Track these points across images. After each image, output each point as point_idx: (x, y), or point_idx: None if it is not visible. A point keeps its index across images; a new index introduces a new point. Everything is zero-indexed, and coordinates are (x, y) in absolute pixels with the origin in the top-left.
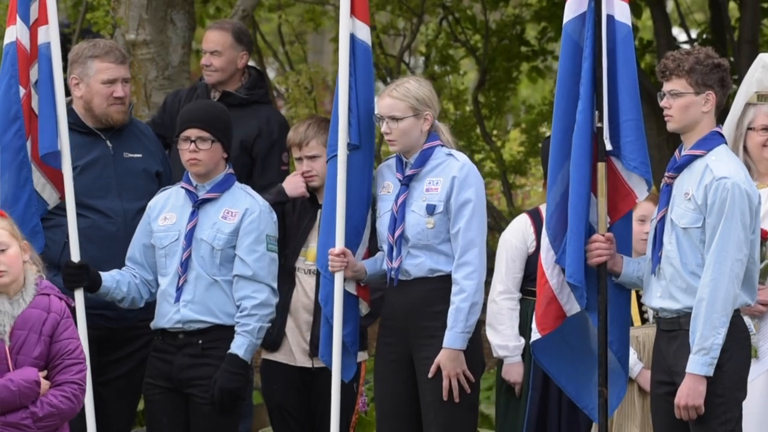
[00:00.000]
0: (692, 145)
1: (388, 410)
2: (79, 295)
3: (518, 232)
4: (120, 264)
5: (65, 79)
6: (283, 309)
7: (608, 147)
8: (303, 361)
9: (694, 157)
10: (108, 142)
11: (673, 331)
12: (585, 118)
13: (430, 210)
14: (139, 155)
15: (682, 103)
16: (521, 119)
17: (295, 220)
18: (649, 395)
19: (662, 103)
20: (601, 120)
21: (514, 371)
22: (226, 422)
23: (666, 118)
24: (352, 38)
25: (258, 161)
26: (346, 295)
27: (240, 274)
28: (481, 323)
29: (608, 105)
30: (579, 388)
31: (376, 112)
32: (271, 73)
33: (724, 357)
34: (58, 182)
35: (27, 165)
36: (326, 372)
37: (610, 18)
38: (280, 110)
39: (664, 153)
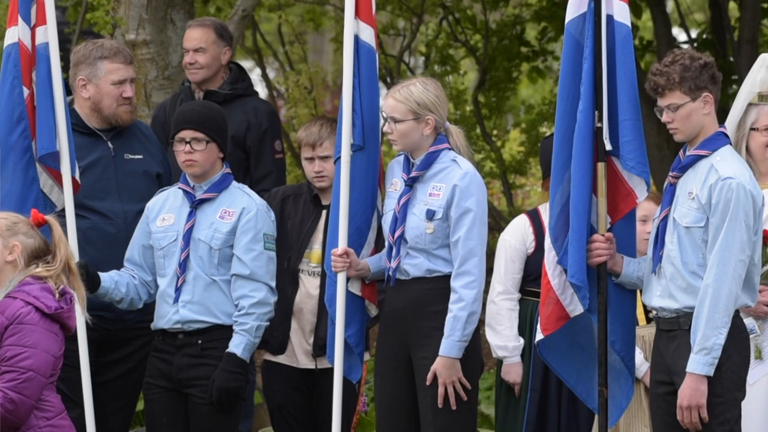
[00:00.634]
0: (697, 145)
1: (387, 409)
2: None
3: (517, 233)
4: (120, 265)
5: (65, 80)
6: (286, 312)
7: (608, 147)
8: (306, 362)
9: (699, 157)
10: (109, 143)
11: (672, 330)
12: (586, 117)
13: (430, 215)
14: (140, 156)
15: (683, 114)
16: (521, 119)
17: (297, 222)
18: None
19: (663, 119)
20: (600, 120)
21: (513, 371)
22: (225, 422)
23: (671, 132)
24: (356, 40)
25: (252, 153)
26: (351, 295)
27: (238, 273)
28: (480, 323)
29: (608, 105)
30: (589, 390)
31: (381, 111)
32: (271, 73)
33: (723, 357)
34: (62, 184)
35: (33, 165)
36: (329, 373)
37: (610, 18)
38: (280, 110)
39: (665, 153)
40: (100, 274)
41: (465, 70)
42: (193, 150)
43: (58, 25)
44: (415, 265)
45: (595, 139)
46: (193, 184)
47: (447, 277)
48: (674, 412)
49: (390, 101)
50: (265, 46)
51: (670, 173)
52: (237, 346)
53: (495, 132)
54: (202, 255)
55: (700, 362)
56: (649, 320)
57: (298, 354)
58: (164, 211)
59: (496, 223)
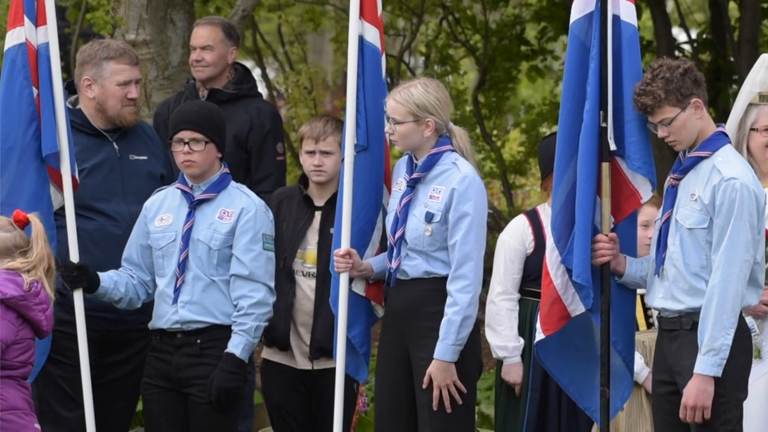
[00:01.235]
0: (697, 147)
1: (387, 409)
2: (78, 296)
3: (516, 233)
4: None
5: (65, 80)
6: (286, 311)
7: (612, 147)
8: (303, 363)
9: (700, 159)
10: (114, 144)
11: (674, 330)
12: (592, 117)
13: (428, 218)
14: (145, 157)
15: (678, 125)
16: (521, 119)
17: (291, 224)
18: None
19: (660, 135)
20: (605, 120)
21: (513, 371)
22: (225, 421)
23: (671, 144)
24: (361, 40)
25: (253, 154)
26: (354, 296)
27: (237, 274)
28: (480, 323)
29: (613, 105)
30: (582, 390)
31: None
32: (271, 73)
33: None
34: (61, 184)
35: (44, 165)
36: (327, 373)
37: (616, 18)
38: (280, 110)
39: (664, 153)
40: (99, 274)
41: (465, 70)
42: (191, 150)
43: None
44: (413, 266)
45: (599, 139)
46: (191, 184)
47: (445, 279)
48: (676, 412)
49: (390, 102)
50: (265, 46)
51: (671, 175)
52: (236, 346)
53: (495, 132)
54: (201, 255)
55: (708, 363)
56: (649, 325)
57: (296, 354)
58: (162, 211)
59: (496, 223)
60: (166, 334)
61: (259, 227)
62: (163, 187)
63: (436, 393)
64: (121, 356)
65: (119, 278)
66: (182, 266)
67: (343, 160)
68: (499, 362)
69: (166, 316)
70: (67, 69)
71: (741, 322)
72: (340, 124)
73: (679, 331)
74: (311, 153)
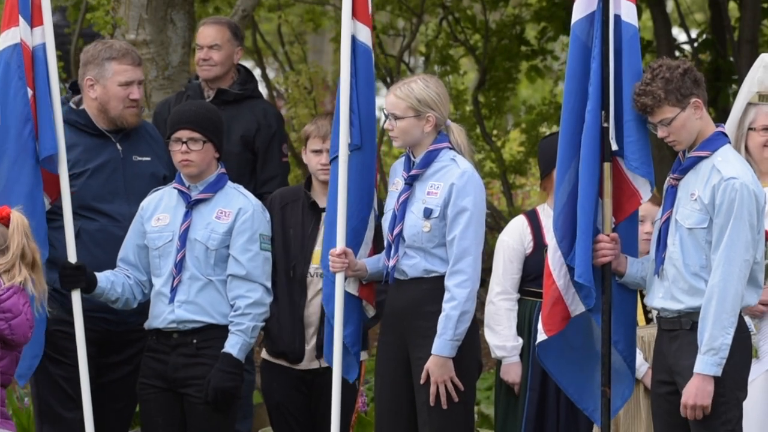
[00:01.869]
0: (697, 147)
1: (386, 409)
2: (76, 296)
3: (515, 233)
4: None
5: (65, 80)
6: (301, 322)
7: (614, 147)
8: (307, 363)
9: (700, 159)
10: (118, 145)
11: (674, 330)
12: (594, 117)
13: (427, 213)
14: (148, 158)
15: (678, 125)
16: (521, 119)
17: (299, 230)
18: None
19: (659, 135)
20: (607, 120)
21: (512, 371)
22: (222, 421)
23: (671, 144)
24: (353, 40)
25: (260, 155)
26: (348, 295)
27: (234, 274)
28: (479, 323)
29: (614, 105)
30: (580, 390)
31: (382, 108)
32: (271, 73)
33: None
34: (49, 186)
35: (38, 167)
36: (328, 372)
37: (617, 18)
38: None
39: (664, 153)
40: (96, 274)
41: (465, 70)
42: (189, 150)
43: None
44: (412, 266)
45: (601, 139)
46: (188, 184)
47: (443, 277)
48: (675, 412)
49: (391, 98)
50: (265, 46)
51: (671, 175)
52: (233, 346)
53: (495, 132)
54: (198, 255)
55: (708, 362)
56: (648, 321)
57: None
58: (159, 211)
59: (496, 223)
60: (162, 334)
61: (257, 227)
62: (160, 187)
63: (433, 389)
64: (121, 357)
65: (116, 278)
66: (179, 266)
67: (334, 159)
68: (498, 362)
69: (162, 315)
70: (67, 69)
71: (741, 321)
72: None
73: (679, 331)
74: (318, 152)
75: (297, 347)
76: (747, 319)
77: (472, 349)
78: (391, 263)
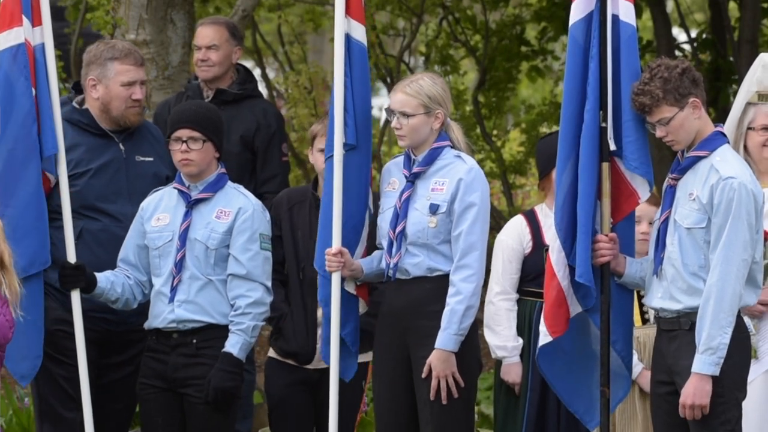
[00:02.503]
0: (695, 147)
1: (386, 409)
2: (75, 296)
3: (514, 233)
4: None
5: (64, 80)
6: (312, 322)
7: (612, 147)
8: (316, 363)
9: (698, 158)
10: (121, 145)
11: (673, 330)
12: (592, 117)
13: (434, 209)
14: (150, 159)
15: (676, 125)
16: (521, 119)
17: (307, 232)
18: (649, 395)
19: (657, 135)
20: (605, 120)
21: (512, 371)
22: (222, 421)
23: (669, 144)
24: (348, 38)
25: (259, 155)
26: (346, 294)
27: (234, 273)
28: (478, 323)
29: (612, 105)
30: (570, 392)
31: (387, 107)
32: (271, 73)
33: (725, 356)
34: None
35: (41, 165)
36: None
37: (615, 18)
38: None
39: (664, 153)
40: (96, 274)
41: (465, 70)
42: (189, 149)
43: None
44: (415, 264)
45: (600, 139)
46: (188, 183)
47: (447, 276)
48: (675, 412)
49: (400, 96)
50: (265, 46)
51: (670, 175)
52: (233, 345)
53: (495, 132)
54: (198, 255)
55: (706, 362)
56: (644, 321)
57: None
58: (159, 211)
59: (496, 223)
60: (162, 334)
61: (257, 227)
62: (160, 187)
63: (434, 383)
64: (123, 357)
65: (116, 278)
66: (179, 265)
67: (328, 159)
68: (498, 362)
69: (162, 315)
70: (67, 69)
71: (739, 321)
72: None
73: (678, 331)
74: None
75: (309, 348)
76: (746, 319)
77: (472, 347)
78: (393, 260)
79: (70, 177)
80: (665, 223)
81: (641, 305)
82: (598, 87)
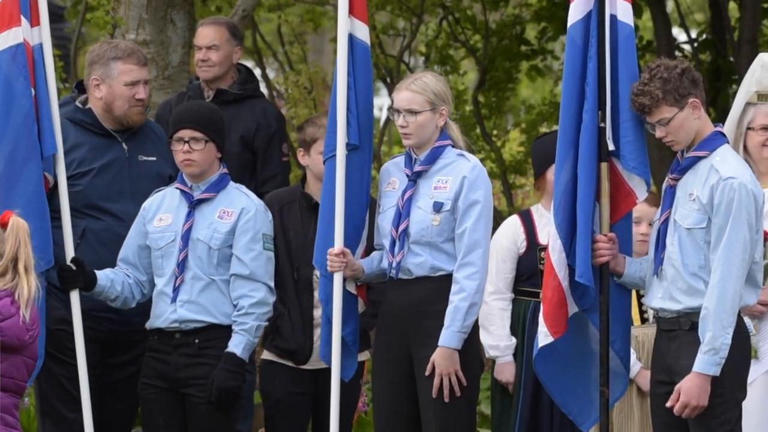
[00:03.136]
0: (695, 147)
1: (386, 409)
2: (74, 295)
3: (509, 233)
4: None
5: (64, 80)
6: (309, 322)
7: (610, 147)
8: (313, 363)
9: (698, 159)
10: (124, 145)
11: (673, 330)
12: (591, 117)
13: (437, 207)
14: (153, 158)
15: (676, 125)
16: (521, 119)
17: (300, 232)
18: (649, 395)
19: (657, 135)
20: (603, 120)
21: (506, 371)
22: (224, 421)
23: (669, 144)
24: (351, 38)
25: (259, 155)
26: (347, 294)
27: (237, 273)
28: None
29: (610, 105)
30: (564, 394)
31: (392, 106)
32: (271, 73)
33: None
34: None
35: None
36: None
37: (613, 18)
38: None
39: (664, 153)
40: (96, 272)
41: (465, 70)
42: (191, 149)
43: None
44: (419, 264)
45: (598, 139)
46: (190, 184)
47: (450, 276)
48: (675, 412)
49: (406, 94)
50: (265, 46)
51: (670, 175)
52: (236, 345)
53: (495, 132)
54: (201, 255)
55: (708, 362)
56: (643, 321)
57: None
58: (161, 212)
59: (496, 223)
60: (164, 334)
61: (259, 227)
62: (162, 188)
63: (437, 381)
64: (127, 357)
65: (115, 277)
66: (181, 266)
67: (329, 158)
68: (493, 362)
69: (164, 315)
70: (67, 69)
71: (740, 321)
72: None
73: (678, 332)
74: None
75: (307, 348)
76: (746, 319)
77: (474, 346)
78: (396, 259)
79: (73, 176)
80: (665, 223)
81: (640, 305)
82: (596, 87)
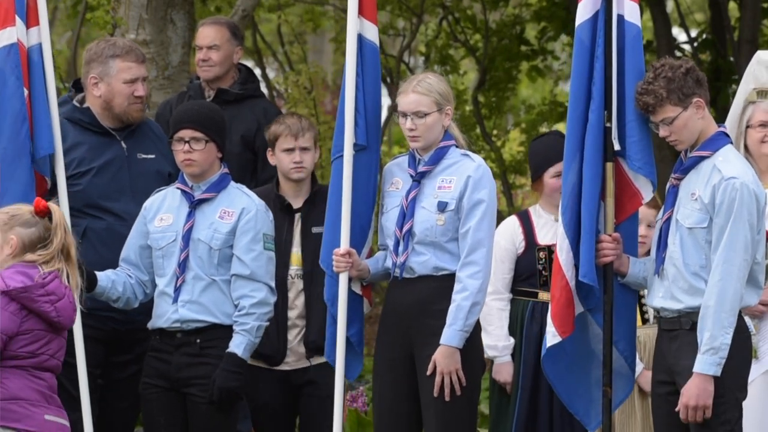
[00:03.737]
0: (698, 147)
1: (386, 409)
2: (74, 296)
3: (507, 234)
4: None
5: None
6: (282, 323)
7: (616, 147)
8: (295, 364)
9: (701, 158)
10: (122, 143)
11: (674, 330)
12: (597, 117)
13: (442, 207)
14: (152, 156)
15: (680, 125)
16: (521, 119)
17: (275, 232)
18: (650, 395)
19: (661, 134)
20: (609, 120)
21: (504, 371)
22: (224, 421)
23: (672, 144)
24: (360, 38)
25: (260, 155)
26: (352, 294)
27: (238, 273)
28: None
29: (616, 105)
30: (570, 393)
31: (398, 109)
32: (271, 73)
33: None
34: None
35: (33, 166)
36: (320, 368)
37: (621, 18)
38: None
39: (665, 153)
40: (97, 273)
41: (465, 70)
42: (192, 149)
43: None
44: (422, 263)
45: (604, 139)
46: (191, 184)
47: (453, 275)
48: (675, 412)
49: (413, 96)
50: (265, 46)
51: (673, 175)
52: (237, 346)
53: (495, 132)
54: (202, 255)
55: (708, 362)
56: (644, 321)
57: (288, 357)
58: (162, 211)
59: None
60: (165, 334)
61: (260, 227)
62: (163, 187)
63: (438, 380)
64: (130, 356)
65: (117, 277)
66: (182, 266)
67: (337, 159)
68: (491, 362)
69: (166, 315)
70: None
71: (740, 322)
72: (312, 122)
73: (679, 331)
74: (290, 150)
75: (280, 349)
76: (747, 319)
77: (476, 346)
78: (401, 259)
79: (72, 176)
80: (667, 222)
81: (641, 305)
82: (602, 87)
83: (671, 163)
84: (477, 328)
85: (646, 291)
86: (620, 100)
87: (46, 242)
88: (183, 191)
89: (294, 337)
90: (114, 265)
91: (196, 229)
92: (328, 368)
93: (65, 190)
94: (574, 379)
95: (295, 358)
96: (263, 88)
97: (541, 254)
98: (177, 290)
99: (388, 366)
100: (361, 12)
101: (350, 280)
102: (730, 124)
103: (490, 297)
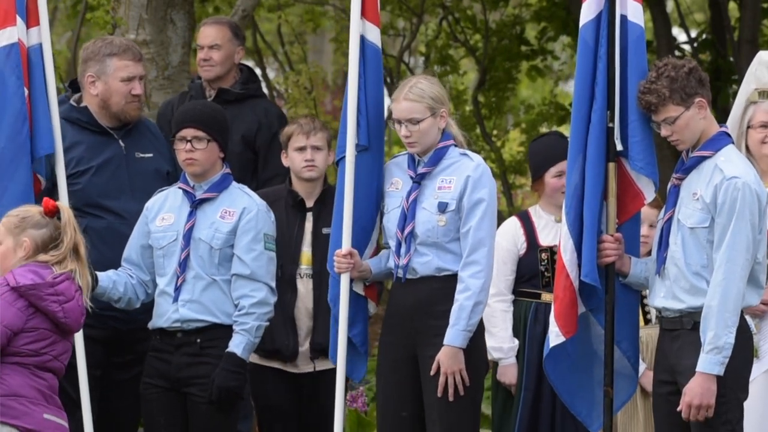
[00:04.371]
0: (700, 147)
1: (389, 409)
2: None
3: (508, 235)
4: None
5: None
6: (292, 320)
7: (619, 147)
8: (303, 366)
9: (703, 158)
10: (120, 142)
11: (675, 330)
12: (599, 117)
13: (442, 208)
14: (150, 155)
15: (681, 125)
16: (521, 119)
17: (284, 229)
18: (651, 395)
19: (663, 134)
20: (612, 120)
21: (509, 373)
22: (224, 421)
23: (674, 144)
24: (362, 40)
25: (261, 155)
26: (355, 295)
27: (238, 273)
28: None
29: (619, 105)
30: (572, 394)
31: (392, 117)
32: (271, 73)
33: None
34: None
35: (32, 166)
36: (325, 374)
37: (624, 18)
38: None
39: (665, 153)
40: (98, 273)
41: (465, 70)
42: (194, 149)
43: None
44: (424, 264)
45: (606, 139)
46: (193, 183)
47: (456, 276)
48: (677, 412)
49: (405, 104)
50: (265, 46)
51: (674, 175)
52: (237, 345)
53: (495, 132)
54: (203, 255)
55: (711, 361)
56: (646, 321)
57: (298, 357)
58: (164, 211)
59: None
60: (166, 334)
61: (261, 227)
62: (165, 187)
63: (442, 380)
64: (131, 355)
65: (118, 278)
66: (183, 265)
67: (339, 161)
68: (495, 363)
69: (166, 314)
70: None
71: (742, 321)
72: (324, 122)
73: (680, 331)
74: (302, 149)
75: (291, 345)
76: (748, 318)
77: (479, 346)
78: (403, 261)
79: (72, 175)
80: (669, 222)
81: (643, 305)
82: (605, 87)
83: (672, 162)
84: (480, 328)
85: (647, 291)
86: (623, 100)
87: (57, 242)
88: (185, 191)
89: (303, 337)
90: (115, 263)
91: (197, 229)
92: (333, 374)
93: (66, 190)
94: (577, 380)
95: (303, 359)
96: (263, 88)
97: (544, 255)
98: (177, 290)
99: (392, 367)
100: (364, 14)
101: (352, 280)
102: (732, 124)
103: (494, 299)
